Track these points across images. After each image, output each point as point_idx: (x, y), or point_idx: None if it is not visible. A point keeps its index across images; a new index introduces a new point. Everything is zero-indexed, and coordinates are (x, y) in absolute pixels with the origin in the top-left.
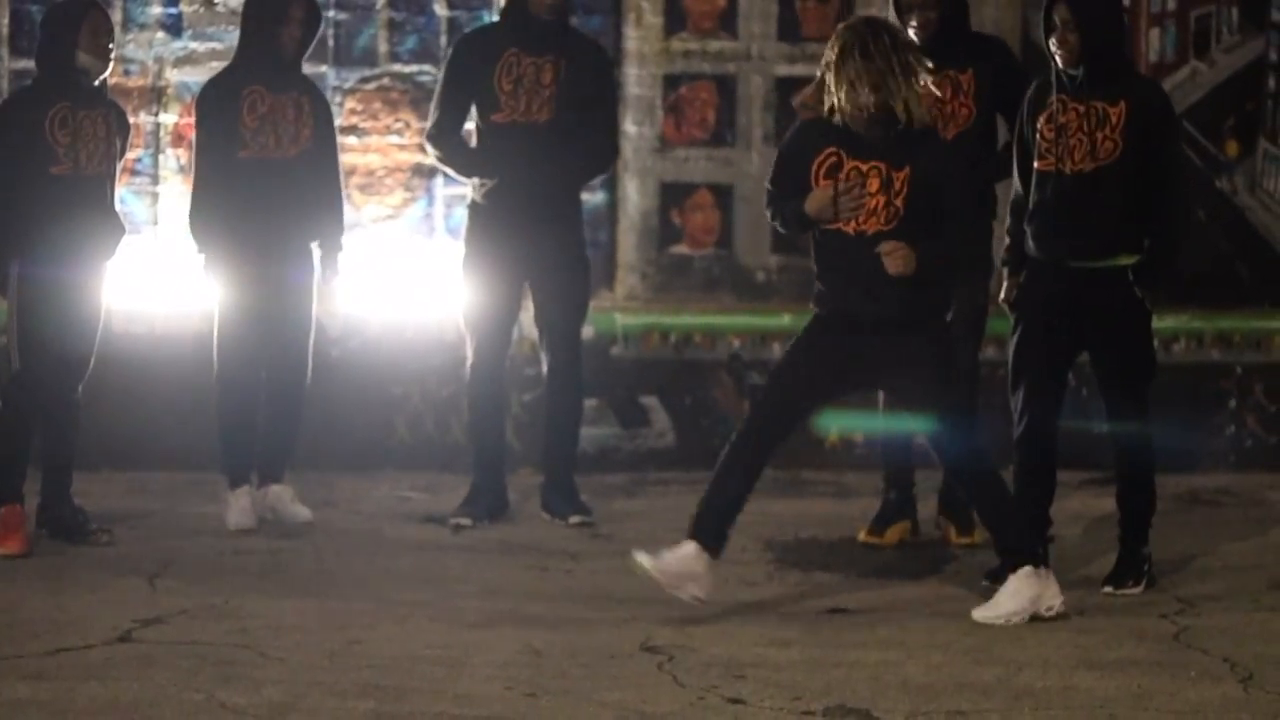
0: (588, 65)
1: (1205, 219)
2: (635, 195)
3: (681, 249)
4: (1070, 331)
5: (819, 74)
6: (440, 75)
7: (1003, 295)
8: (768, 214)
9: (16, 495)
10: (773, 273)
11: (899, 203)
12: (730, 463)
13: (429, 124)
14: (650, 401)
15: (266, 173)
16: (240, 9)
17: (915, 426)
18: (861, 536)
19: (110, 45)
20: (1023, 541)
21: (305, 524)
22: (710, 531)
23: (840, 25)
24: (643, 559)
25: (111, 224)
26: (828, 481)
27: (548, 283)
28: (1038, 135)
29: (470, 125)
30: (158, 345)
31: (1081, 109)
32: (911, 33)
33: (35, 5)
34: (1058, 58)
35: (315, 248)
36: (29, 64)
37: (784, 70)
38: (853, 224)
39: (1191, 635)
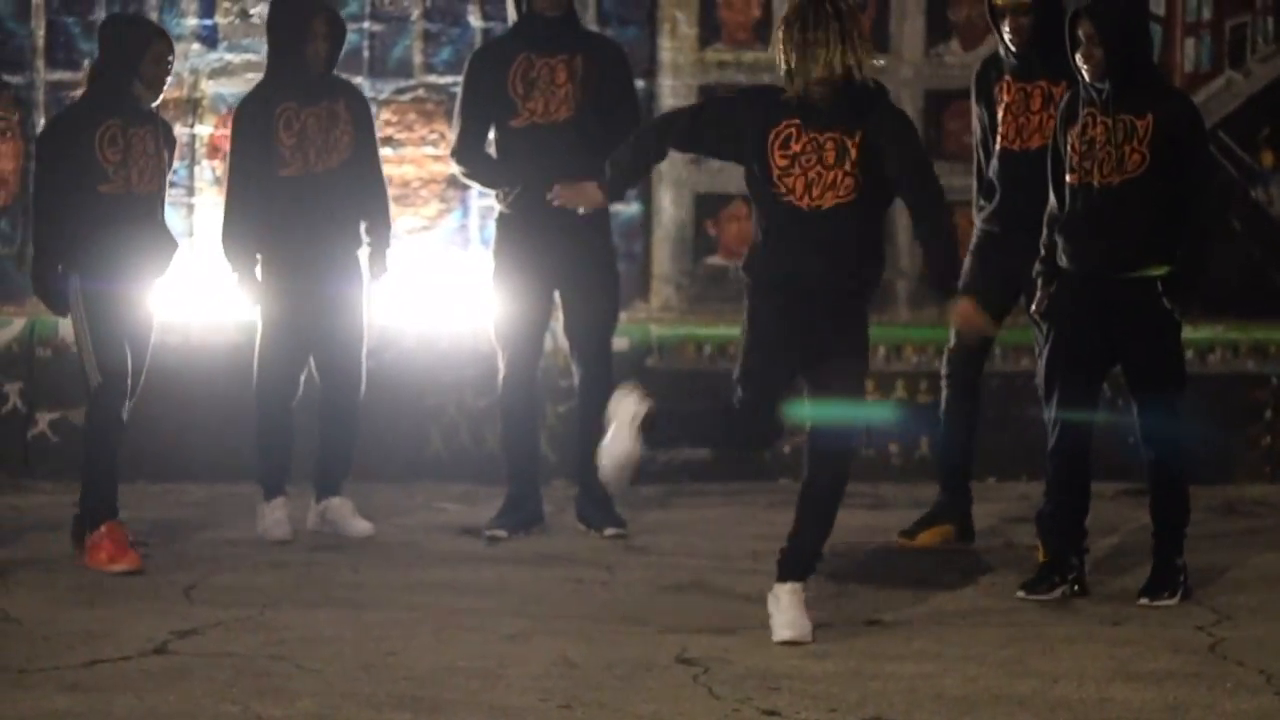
0: (604, 61)
1: (1240, 229)
2: (670, 206)
3: (716, 260)
4: (1101, 343)
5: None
6: (459, 92)
7: (1034, 306)
8: (651, 140)
9: (113, 511)
10: None
11: (856, 171)
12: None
13: (452, 141)
14: None
15: (309, 188)
16: (266, 24)
17: (811, 407)
18: (896, 537)
19: (167, 77)
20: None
21: (366, 538)
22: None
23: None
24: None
25: (164, 240)
26: (864, 493)
27: (577, 293)
28: (1069, 149)
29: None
30: (193, 357)
31: (1109, 122)
32: (1007, 38)
33: (71, 17)
34: (1084, 72)
35: (361, 255)
36: (65, 75)
37: None
38: (806, 198)
39: (1227, 647)
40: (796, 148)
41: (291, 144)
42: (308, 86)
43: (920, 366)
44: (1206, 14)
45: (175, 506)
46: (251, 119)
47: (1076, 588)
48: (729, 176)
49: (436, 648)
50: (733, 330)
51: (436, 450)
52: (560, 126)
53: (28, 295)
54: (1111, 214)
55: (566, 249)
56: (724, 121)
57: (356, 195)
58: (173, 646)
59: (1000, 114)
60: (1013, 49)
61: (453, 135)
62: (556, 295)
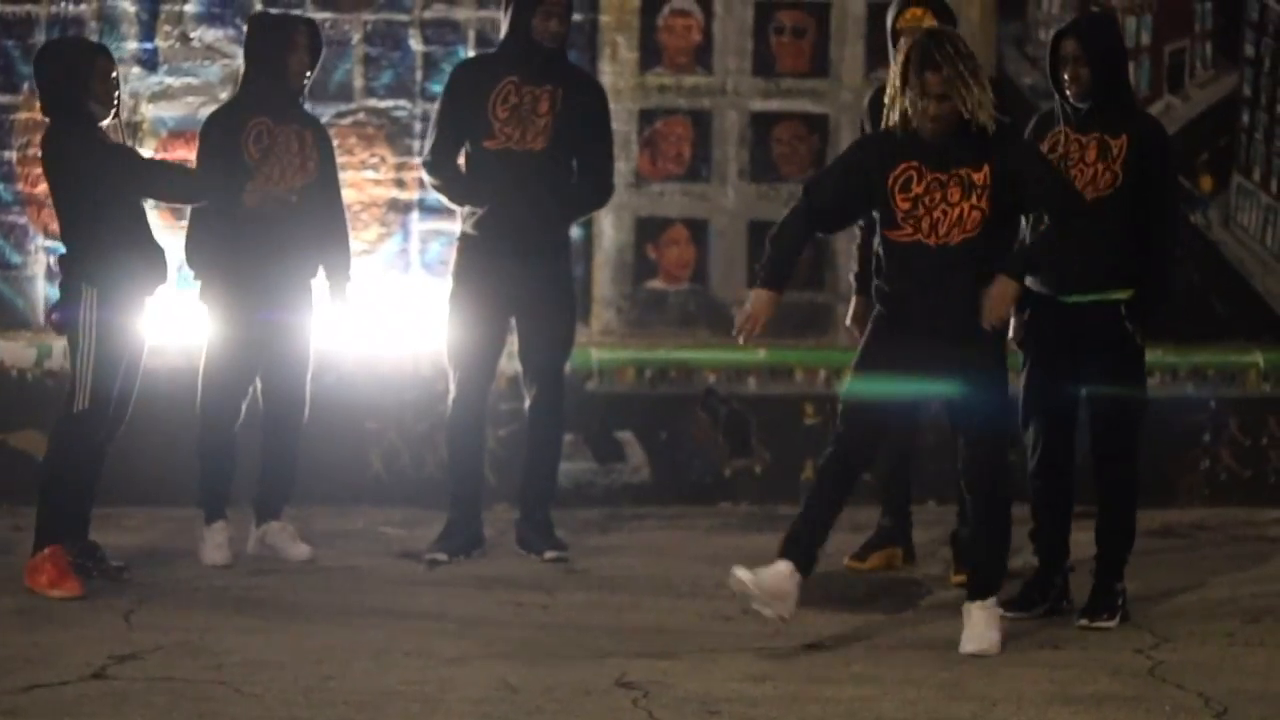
0: (586, 98)
1: (1180, 253)
2: (610, 230)
3: (657, 284)
4: (1071, 366)
5: (888, 87)
6: (438, 102)
7: (1010, 334)
8: (796, 219)
9: (58, 537)
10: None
11: (984, 204)
12: (821, 483)
13: (425, 150)
14: (626, 436)
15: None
16: (244, 40)
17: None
18: (845, 561)
19: (117, 92)
20: (996, 579)
21: (306, 561)
22: (802, 552)
23: (905, 40)
24: (742, 574)
25: (158, 255)
26: None
27: (534, 318)
28: None
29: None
30: None
31: (1083, 140)
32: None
33: (11, 40)
34: (1069, 92)
35: (315, 283)
36: (5, 98)
37: (759, 105)
38: (934, 236)
39: (1166, 670)
40: (919, 189)
41: (258, 159)
42: (282, 104)
43: None
44: (1145, 38)
45: (114, 530)
46: (221, 130)
47: (1066, 602)
48: (670, 201)
49: (376, 672)
50: (673, 353)
51: (377, 474)
52: (534, 155)
53: None
54: (1080, 231)
55: (526, 274)
56: (848, 183)
57: (314, 224)
58: (112, 671)
59: None
60: None
61: (426, 144)
62: (511, 320)
